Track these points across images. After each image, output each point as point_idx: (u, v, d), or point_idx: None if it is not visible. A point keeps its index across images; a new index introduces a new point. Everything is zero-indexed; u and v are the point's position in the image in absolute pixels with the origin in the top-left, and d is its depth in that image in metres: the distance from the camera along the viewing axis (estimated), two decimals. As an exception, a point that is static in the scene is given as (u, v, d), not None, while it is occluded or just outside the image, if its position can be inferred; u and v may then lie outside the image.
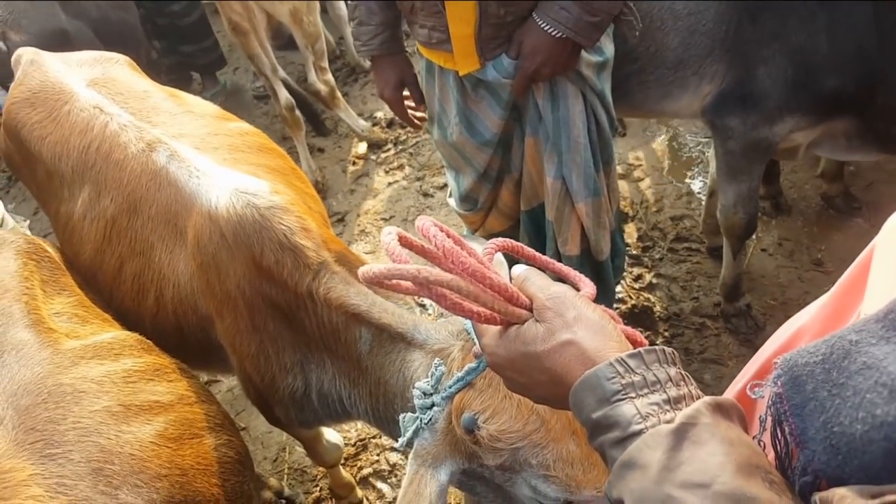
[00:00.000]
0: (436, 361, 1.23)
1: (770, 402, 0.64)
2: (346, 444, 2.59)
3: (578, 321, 0.74)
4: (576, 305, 0.76)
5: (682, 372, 0.69)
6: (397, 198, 3.62)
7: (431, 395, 1.19)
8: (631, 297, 2.87)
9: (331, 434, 2.32)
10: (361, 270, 0.81)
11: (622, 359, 0.68)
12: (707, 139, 3.46)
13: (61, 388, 1.29)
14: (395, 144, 3.91)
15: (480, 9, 1.64)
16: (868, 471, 0.52)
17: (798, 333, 0.88)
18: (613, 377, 0.67)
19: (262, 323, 1.53)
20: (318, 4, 3.46)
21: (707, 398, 0.65)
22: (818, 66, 1.96)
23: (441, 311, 1.32)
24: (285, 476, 2.59)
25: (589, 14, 1.61)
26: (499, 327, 0.82)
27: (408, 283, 0.80)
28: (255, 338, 1.55)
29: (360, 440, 2.65)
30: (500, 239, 0.93)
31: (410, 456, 1.21)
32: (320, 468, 2.54)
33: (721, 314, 2.76)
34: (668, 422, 0.63)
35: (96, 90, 1.91)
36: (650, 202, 3.27)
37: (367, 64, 4.43)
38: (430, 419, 1.19)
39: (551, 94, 1.80)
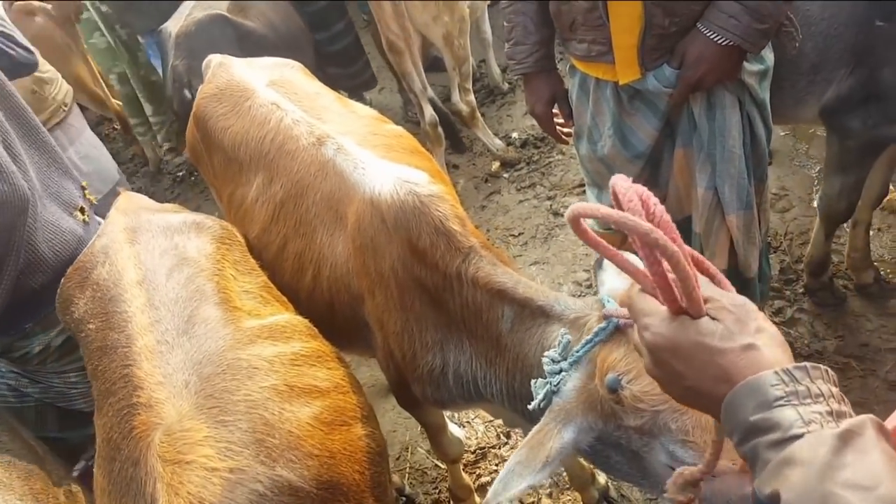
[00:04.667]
0: (562, 330, 1.30)
1: None
2: (466, 451, 2.62)
3: (761, 332, 0.77)
4: (757, 318, 0.79)
5: (842, 394, 0.71)
6: (527, 215, 3.68)
7: (559, 361, 1.26)
8: (769, 330, 2.75)
9: (455, 429, 2.38)
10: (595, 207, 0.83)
11: (787, 369, 0.71)
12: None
13: (238, 363, 1.40)
14: (528, 164, 3.99)
15: (645, 19, 1.68)
16: None
17: None
18: (777, 384, 0.70)
19: (410, 302, 1.63)
20: (468, 28, 3.64)
21: (872, 416, 0.66)
22: None
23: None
24: (406, 475, 2.66)
25: (758, 21, 1.61)
26: (665, 309, 0.82)
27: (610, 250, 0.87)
28: (402, 316, 1.65)
29: (480, 448, 2.68)
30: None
31: (546, 412, 1.27)
32: (441, 471, 2.61)
33: (805, 290, 2.82)
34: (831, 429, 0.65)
35: (275, 89, 2.12)
36: (795, 234, 3.12)
37: (505, 87, 4.57)
38: (559, 383, 1.26)
39: (708, 103, 1.79)
